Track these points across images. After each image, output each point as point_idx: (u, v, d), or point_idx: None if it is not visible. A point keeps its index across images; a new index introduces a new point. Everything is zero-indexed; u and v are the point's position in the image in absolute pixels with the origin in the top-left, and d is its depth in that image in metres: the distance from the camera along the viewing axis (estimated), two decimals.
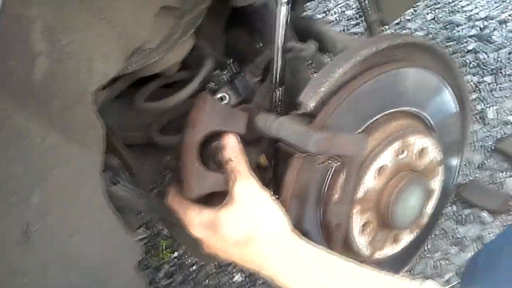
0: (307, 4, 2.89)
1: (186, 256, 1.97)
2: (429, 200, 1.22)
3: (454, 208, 1.97)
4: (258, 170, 1.14)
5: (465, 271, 1.32)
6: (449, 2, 3.39)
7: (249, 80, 1.11)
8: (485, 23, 3.06)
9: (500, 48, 2.80)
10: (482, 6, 3.25)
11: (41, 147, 0.79)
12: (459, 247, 1.82)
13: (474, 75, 2.65)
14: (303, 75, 1.26)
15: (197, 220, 0.97)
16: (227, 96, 1.10)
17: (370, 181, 1.08)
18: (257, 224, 0.92)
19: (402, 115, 1.14)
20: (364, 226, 1.12)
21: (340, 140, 0.95)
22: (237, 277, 1.86)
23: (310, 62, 1.40)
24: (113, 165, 1.08)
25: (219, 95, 1.09)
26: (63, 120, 0.80)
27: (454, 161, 1.38)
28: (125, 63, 0.86)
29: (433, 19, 3.25)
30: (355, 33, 3.21)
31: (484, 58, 2.75)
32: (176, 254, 1.99)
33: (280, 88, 1.08)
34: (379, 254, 1.19)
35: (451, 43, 2.95)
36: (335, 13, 3.53)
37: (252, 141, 1.09)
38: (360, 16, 3.23)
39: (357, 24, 3.33)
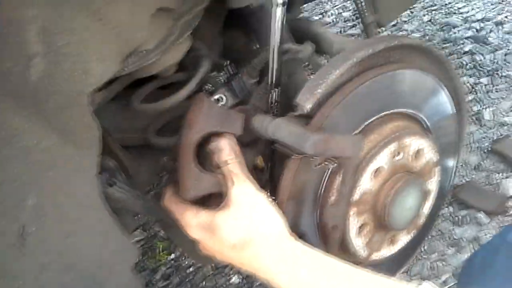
0: (304, 5, 2.90)
1: (183, 258, 1.97)
2: (425, 201, 1.22)
3: (451, 209, 1.97)
4: (255, 172, 1.14)
5: (462, 272, 1.32)
6: (446, 4, 3.40)
7: (246, 81, 1.11)
8: (482, 24, 3.08)
9: (496, 50, 2.82)
10: (478, 8, 3.27)
11: (37, 149, 0.78)
12: (455, 248, 1.83)
13: (470, 77, 2.66)
14: (299, 76, 1.26)
15: (194, 222, 0.97)
16: (224, 98, 1.10)
17: (366, 183, 1.08)
18: (254, 227, 0.92)
19: (398, 116, 1.14)
20: (361, 227, 1.12)
21: (336, 141, 0.95)
22: (234, 279, 1.85)
23: (306, 63, 1.40)
24: (110, 167, 1.08)
25: (215, 97, 1.09)
26: (59, 122, 0.80)
27: (451, 162, 1.39)
28: (122, 64, 0.85)
29: (430, 20, 3.26)
30: (352, 35, 3.21)
31: (481, 60, 2.76)
32: (173, 256, 1.99)
33: (276, 90, 1.08)
34: (376, 256, 1.19)
35: (447, 44, 2.97)
36: (332, 14, 3.54)
37: (248, 142, 1.09)
38: (357, 18, 3.24)
39: (354, 25, 3.34)
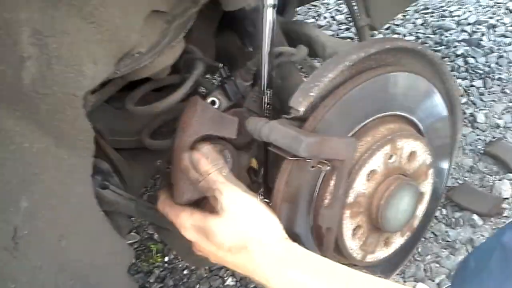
0: (298, 8, 2.90)
1: (177, 261, 1.97)
2: (419, 203, 1.23)
3: (445, 211, 1.98)
4: (249, 173, 1.14)
5: (456, 274, 1.33)
6: (439, 7, 3.42)
7: (239, 84, 1.11)
8: (474, 28, 3.10)
9: (489, 53, 2.83)
10: (471, 11, 3.29)
11: (29, 151, 0.78)
12: (450, 250, 1.83)
13: (463, 80, 2.67)
14: (293, 79, 1.27)
15: (188, 223, 0.96)
16: (217, 100, 1.10)
17: (360, 185, 1.08)
18: (248, 231, 0.92)
19: (392, 119, 1.14)
20: (355, 230, 1.12)
21: (330, 144, 0.95)
22: (229, 281, 1.85)
23: (300, 66, 1.40)
24: (103, 169, 1.08)
25: (209, 99, 1.09)
26: (52, 124, 0.80)
27: (444, 165, 1.39)
28: (115, 67, 0.85)
29: (423, 24, 3.28)
30: (346, 38, 3.22)
31: (474, 63, 2.78)
32: (167, 258, 1.99)
33: (268, 92, 1.08)
34: (370, 258, 1.19)
35: (440, 48, 2.98)
36: (325, 18, 3.55)
37: (243, 145, 1.09)
38: (350, 21, 3.25)
39: (347, 29, 3.35)
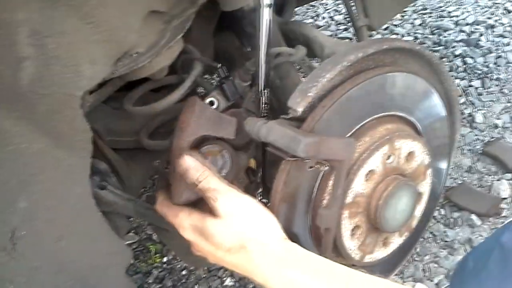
0: (297, 9, 2.90)
1: (176, 261, 1.97)
2: (418, 203, 1.23)
3: (443, 211, 1.98)
4: (248, 174, 1.14)
5: (454, 274, 1.33)
6: (437, 8, 3.42)
7: (238, 84, 1.11)
8: (473, 28, 3.10)
9: (487, 53, 2.84)
10: (469, 11, 3.29)
11: (27, 152, 0.78)
12: (448, 250, 1.84)
13: (462, 80, 2.67)
14: (292, 79, 1.27)
15: (187, 223, 0.96)
16: (216, 101, 1.10)
17: (359, 186, 1.08)
18: (247, 232, 0.92)
19: (390, 119, 1.14)
20: (354, 230, 1.12)
21: (328, 144, 0.95)
22: (228, 282, 1.85)
23: (298, 67, 1.41)
24: (101, 170, 1.08)
25: (208, 100, 1.09)
26: (50, 125, 0.80)
27: (443, 165, 1.39)
28: (113, 67, 0.85)
29: (421, 24, 3.28)
30: (344, 38, 3.22)
31: (472, 63, 2.78)
32: (166, 259, 1.99)
33: (265, 91, 1.08)
34: (369, 258, 1.19)
35: (439, 48, 2.98)
36: (324, 18, 3.55)
37: (241, 145, 1.09)
38: (349, 21, 3.25)
39: (346, 29, 3.35)
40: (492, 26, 3.07)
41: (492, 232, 1.83)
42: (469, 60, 2.80)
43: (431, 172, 1.23)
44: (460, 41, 3.00)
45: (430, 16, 3.35)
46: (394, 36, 3.19)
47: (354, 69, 1.07)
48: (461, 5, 3.39)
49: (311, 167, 1.01)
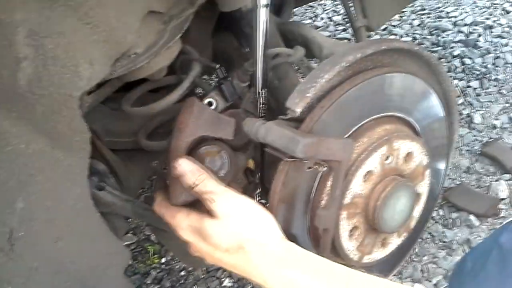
0: (295, 9, 2.90)
1: (175, 262, 1.97)
2: (416, 204, 1.23)
3: (442, 212, 1.98)
4: (246, 174, 1.14)
5: (453, 275, 1.33)
6: (436, 8, 3.43)
7: (236, 85, 1.11)
8: (471, 29, 3.10)
9: (485, 54, 2.84)
10: (468, 12, 3.30)
11: (25, 152, 0.78)
12: (447, 251, 1.84)
13: (460, 80, 2.68)
14: (291, 80, 1.27)
15: (185, 224, 0.96)
16: (214, 101, 1.10)
17: (357, 186, 1.08)
18: (245, 232, 0.91)
19: (388, 120, 1.14)
20: (352, 231, 1.12)
21: (327, 145, 0.95)
22: (226, 282, 1.85)
23: (297, 67, 1.40)
24: (99, 171, 1.08)
25: (206, 100, 1.09)
26: (48, 125, 0.79)
27: (441, 165, 1.39)
28: (111, 68, 0.85)
29: (420, 25, 3.28)
30: (343, 39, 3.23)
31: (470, 64, 2.78)
32: (164, 259, 1.99)
33: (263, 91, 1.08)
34: (367, 259, 1.19)
35: (437, 48, 2.99)
36: (322, 18, 3.55)
37: (240, 146, 1.09)
38: (347, 22, 3.25)
39: (344, 29, 3.36)
40: (491, 27, 3.08)
41: (491, 233, 1.83)
42: (467, 61, 2.80)
43: (429, 173, 1.23)
44: (458, 41, 3.00)
45: (428, 17, 3.35)
46: (392, 37, 3.19)
47: (353, 69, 1.07)
48: (460, 5, 3.40)
49: (309, 168, 1.01)
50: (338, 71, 1.03)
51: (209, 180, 0.95)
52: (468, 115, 2.43)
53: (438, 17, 3.32)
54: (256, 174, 1.16)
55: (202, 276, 1.88)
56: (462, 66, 2.78)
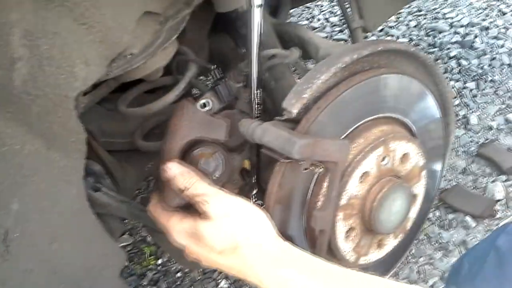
0: (292, 10, 2.91)
1: (171, 263, 1.96)
2: (412, 205, 1.23)
3: (438, 213, 1.98)
4: (242, 175, 1.14)
5: (449, 276, 1.33)
6: (432, 10, 3.43)
7: (232, 86, 1.11)
8: (468, 30, 3.11)
9: (482, 55, 2.85)
10: (464, 13, 3.30)
11: (21, 153, 0.78)
12: (443, 252, 1.84)
13: (456, 81, 2.68)
14: (287, 81, 1.26)
15: (178, 228, 0.96)
16: (210, 102, 1.09)
17: (353, 187, 1.08)
18: (239, 233, 0.91)
19: (384, 121, 1.15)
20: (348, 232, 1.12)
21: (323, 146, 0.95)
22: (222, 284, 1.85)
23: (293, 68, 1.40)
24: (95, 171, 1.08)
25: (202, 101, 1.08)
26: (44, 126, 0.79)
27: (437, 167, 1.39)
28: (107, 68, 0.85)
29: (416, 26, 3.29)
30: (339, 40, 3.23)
31: (467, 65, 2.79)
32: (160, 261, 1.98)
33: (257, 92, 1.08)
34: (363, 260, 1.19)
35: (434, 49, 2.99)
36: (319, 19, 3.55)
37: (235, 147, 1.08)
38: (344, 23, 3.25)
39: (341, 31, 3.36)
40: (487, 28, 3.09)
41: (487, 235, 1.83)
42: (463, 62, 2.81)
43: (425, 174, 1.23)
44: (454, 43, 3.01)
45: (425, 18, 3.36)
46: (389, 38, 3.20)
47: (349, 70, 1.07)
48: (456, 7, 3.41)
49: (306, 169, 1.01)
50: (334, 72, 1.03)
51: (199, 182, 0.94)
52: (465, 116, 2.43)
53: (435, 19, 3.33)
54: (252, 175, 1.16)
55: (199, 278, 1.88)
56: (459, 67, 2.78)
